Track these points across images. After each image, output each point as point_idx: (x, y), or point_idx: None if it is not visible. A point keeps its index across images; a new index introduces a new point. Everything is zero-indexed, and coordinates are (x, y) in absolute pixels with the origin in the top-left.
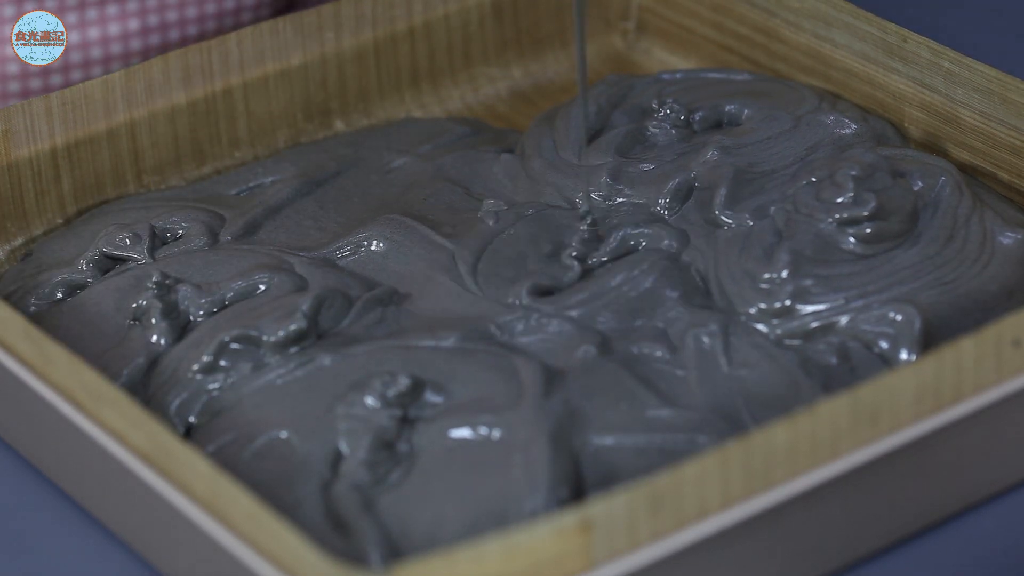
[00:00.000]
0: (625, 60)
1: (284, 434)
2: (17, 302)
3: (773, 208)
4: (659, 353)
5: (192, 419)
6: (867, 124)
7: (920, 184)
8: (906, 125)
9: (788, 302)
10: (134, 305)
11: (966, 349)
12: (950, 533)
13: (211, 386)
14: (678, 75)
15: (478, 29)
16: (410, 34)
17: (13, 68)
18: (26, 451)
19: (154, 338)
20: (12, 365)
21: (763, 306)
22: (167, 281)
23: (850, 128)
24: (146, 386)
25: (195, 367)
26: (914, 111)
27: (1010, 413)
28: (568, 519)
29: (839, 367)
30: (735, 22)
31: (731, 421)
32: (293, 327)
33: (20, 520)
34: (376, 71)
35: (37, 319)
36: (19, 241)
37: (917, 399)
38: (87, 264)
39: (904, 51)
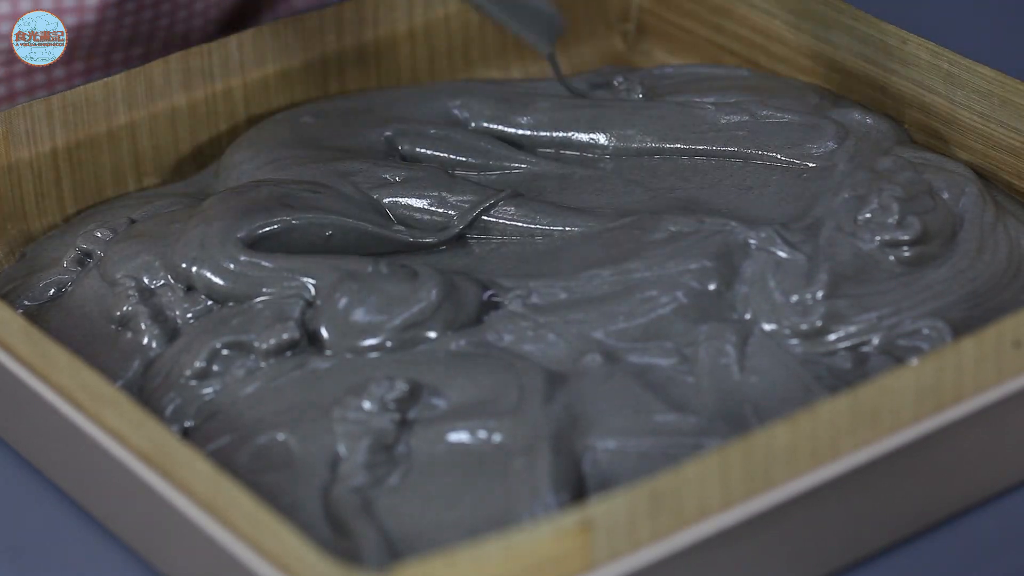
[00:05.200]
0: (625, 61)
1: (281, 436)
2: (10, 304)
3: (823, 234)
4: (669, 362)
5: (187, 423)
6: (890, 122)
7: (947, 195)
8: (906, 126)
9: (820, 323)
10: (118, 313)
11: (966, 349)
12: (950, 533)
13: (205, 391)
14: (672, 69)
15: (478, 31)
16: (410, 36)
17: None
18: (26, 451)
19: (145, 341)
20: (12, 365)
21: (792, 323)
22: (143, 286)
23: (884, 126)
24: (141, 389)
25: (188, 372)
26: (914, 112)
27: (1010, 413)
28: (568, 520)
29: (852, 372)
30: (735, 23)
31: (738, 427)
32: (285, 336)
33: (20, 520)
34: (377, 73)
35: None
36: (19, 242)
37: (917, 399)
38: (70, 262)
39: (904, 52)
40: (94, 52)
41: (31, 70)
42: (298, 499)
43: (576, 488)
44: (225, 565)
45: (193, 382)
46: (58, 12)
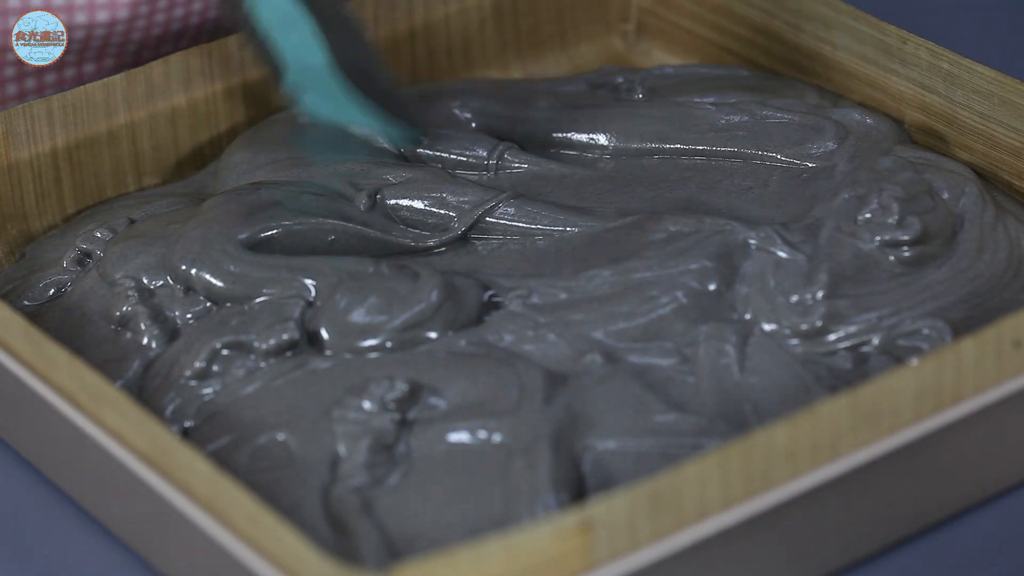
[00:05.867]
0: (625, 62)
1: (281, 436)
2: (10, 304)
3: (823, 234)
4: (669, 362)
5: (187, 423)
6: (890, 123)
7: (947, 195)
8: (906, 126)
9: (820, 323)
10: (117, 313)
11: (966, 350)
12: (950, 533)
13: (205, 391)
14: (672, 69)
15: (478, 31)
16: (410, 36)
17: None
18: (26, 451)
19: (145, 341)
20: (12, 365)
21: (792, 323)
22: (142, 286)
23: (884, 126)
24: (141, 389)
25: (187, 372)
26: (914, 113)
27: (1010, 414)
28: (568, 520)
29: (852, 372)
30: (735, 24)
31: (738, 426)
32: (285, 336)
33: (20, 520)
34: None
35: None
36: (19, 242)
37: (917, 400)
38: (70, 262)
39: (904, 53)
40: (125, 49)
41: (42, 70)
42: (298, 499)
43: (576, 488)
44: (225, 565)
45: (193, 382)
46: (90, 8)
